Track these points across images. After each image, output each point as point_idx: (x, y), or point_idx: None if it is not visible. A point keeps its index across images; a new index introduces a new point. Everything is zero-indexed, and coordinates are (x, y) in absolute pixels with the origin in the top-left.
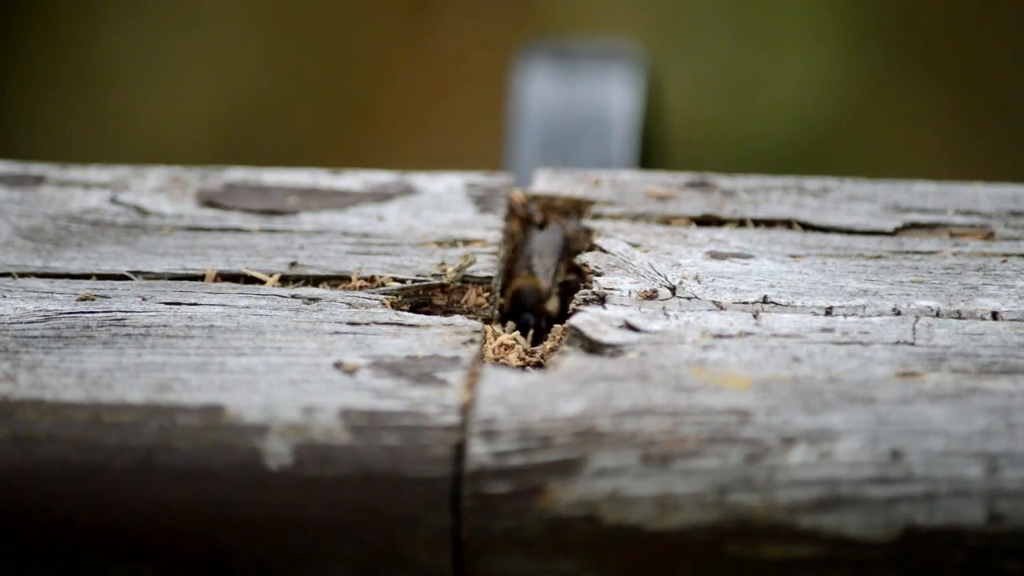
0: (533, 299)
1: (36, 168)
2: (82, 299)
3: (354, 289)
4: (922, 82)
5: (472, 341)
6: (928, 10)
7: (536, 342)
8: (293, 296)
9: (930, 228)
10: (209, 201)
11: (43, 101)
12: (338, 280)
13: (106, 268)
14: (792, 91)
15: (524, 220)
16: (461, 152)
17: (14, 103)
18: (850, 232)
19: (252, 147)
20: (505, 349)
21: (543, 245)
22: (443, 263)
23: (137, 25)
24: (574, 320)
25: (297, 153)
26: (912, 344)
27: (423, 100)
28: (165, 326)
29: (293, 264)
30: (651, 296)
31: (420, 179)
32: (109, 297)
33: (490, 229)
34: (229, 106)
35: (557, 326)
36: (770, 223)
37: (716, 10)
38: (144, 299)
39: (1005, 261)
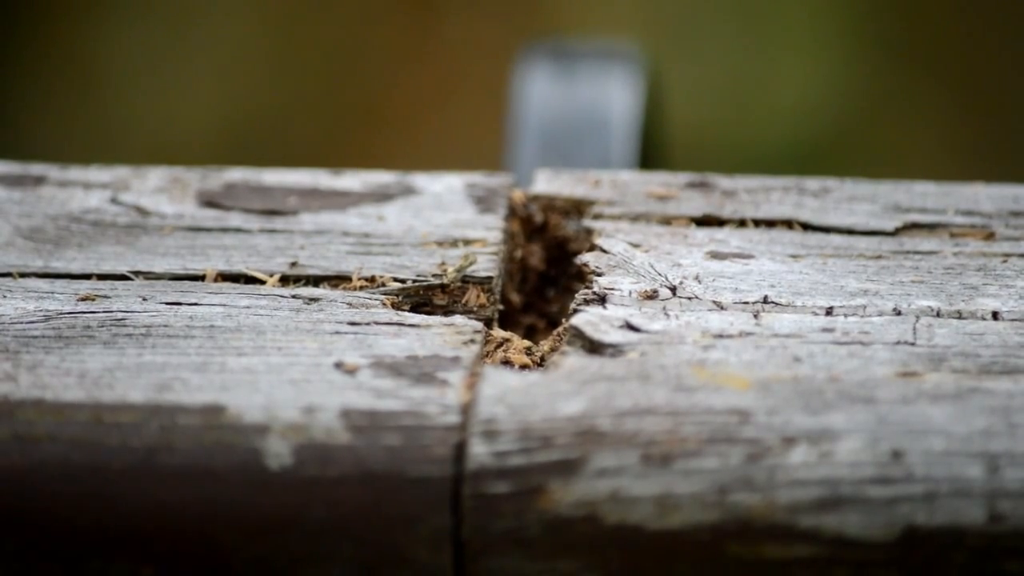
0: None
1: (36, 168)
2: (82, 299)
3: (354, 289)
4: (923, 84)
5: (472, 341)
6: (929, 13)
7: None
8: (293, 296)
9: (930, 228)
10: (209, 201)
11: (44, 102)
12: (338, 280)
13: (106, 268)
14: (793, 93)
15: (524, 220)
16: (462, 152)
17: (15, 103)
18: (850, 232)
19: (255, 150)
20: (505, 349)
21: None
22: (443, 263)
23: (140, 27)
24: (575, 320)
25: (299, 155)
26: (912, 344)
27: (424, 101)
28: (166, 326)
29: (293, 264)
30: (651, 296)
31: (420, 179)
32: (109, 297)
33: (490, 229)
34: (231, 109)
35: (558, 326)
36: (770, 223)
37: (717, 11)
38: (144, 299)
39: (1005, 261)
